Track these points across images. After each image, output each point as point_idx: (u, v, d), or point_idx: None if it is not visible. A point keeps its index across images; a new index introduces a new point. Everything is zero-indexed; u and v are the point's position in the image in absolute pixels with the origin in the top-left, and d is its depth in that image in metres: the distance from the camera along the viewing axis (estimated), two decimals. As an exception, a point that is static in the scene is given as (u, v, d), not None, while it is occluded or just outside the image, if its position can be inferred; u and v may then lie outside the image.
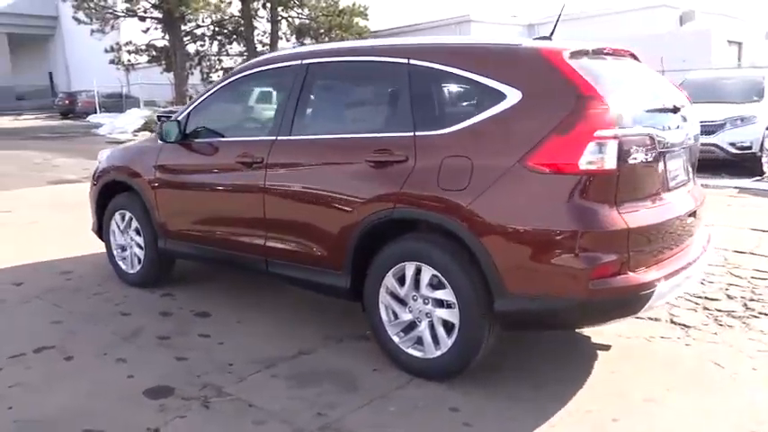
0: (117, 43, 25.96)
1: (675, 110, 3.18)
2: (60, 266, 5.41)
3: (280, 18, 28.21)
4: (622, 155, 2.72)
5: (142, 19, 26.21)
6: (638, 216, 2.82)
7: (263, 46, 27.57)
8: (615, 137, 2.69)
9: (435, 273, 3.03)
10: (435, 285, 3.06)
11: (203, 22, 28.48)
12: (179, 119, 4.24)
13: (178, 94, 25.53)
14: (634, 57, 3.50)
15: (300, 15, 28.63)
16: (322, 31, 27.76)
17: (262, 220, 3.76)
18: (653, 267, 2.87)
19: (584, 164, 2.67)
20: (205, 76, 28.80)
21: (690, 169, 3.38)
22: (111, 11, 25.05)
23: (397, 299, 3.22)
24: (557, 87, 2.78)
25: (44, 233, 6.73)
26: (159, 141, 4.29)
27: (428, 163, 3.02)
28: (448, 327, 3.05)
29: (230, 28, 29.17)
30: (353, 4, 28.05)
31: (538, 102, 2.82)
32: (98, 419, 2.85)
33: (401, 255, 3.15)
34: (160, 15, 25.58)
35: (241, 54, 28.74)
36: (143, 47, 26.33)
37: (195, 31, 28.50)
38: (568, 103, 2.72)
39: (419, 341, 3.18)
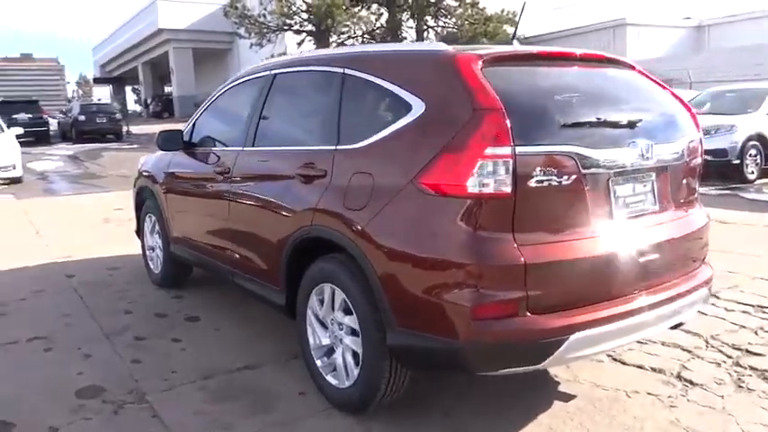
0: (272, 55, 27.78)
1: (631, 125, 2.65)
2: (115, 263, 5.87)
3: (426, 28, 28.45)
4: (522, 177, 2.32)
5: (297, 32, 27.85)
6: (545, 250, 2.38)
7: (409, 56, 27.91)
8: (511, 156, 2.30)
9: (344, 297, 2.82)
10: (346, 310, 2.85)
11: (354, 33, 29.53)
12: (184, 129, 4.40)
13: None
14: (617, 64, 3.00)
15: (447, 25, 28.65)
16: (467, 40, 27.52)
17: (228, 230, 3.77)
18: (570, 312, 2.41)
19: (472, 186, 2.31)
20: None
21: (664, 196, 2.80)
22: (266, 26, 26.92)
23: (320, 321, 3.05)
24: (457, 98, 2.44)
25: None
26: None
27: (341, 179, 2.82)
28: (357, 357, 2.82)
29: (379, 39, 29.93)
30: (502, 11, 27.49)
31: (438, 114, 2.50)
32: (18, 413, 3.00)
33: (320, 275, 2.96)
34: (312, 28, 27.01)
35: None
36: (295, 58, 27.99)
37: (346, 42, 29.64)
38: (464, 116, 2.38)
39: (336, 368, 2.97)
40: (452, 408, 2.98)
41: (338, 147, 2.90)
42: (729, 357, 3.53)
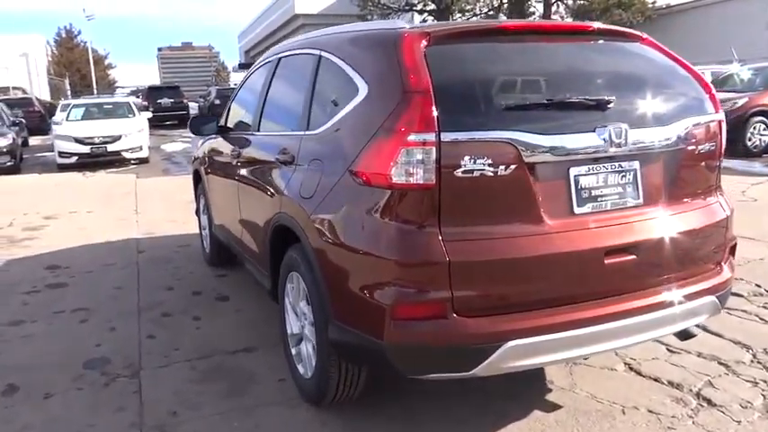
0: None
1: (601, 107, 2.29)
2: (187, 241, 6.20)
3: (554, 1, 27.10)
4: (449, 167, 2.09)
5: (420, 12, 27.74)
6: (476, 247, 2.13)
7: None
8: (435, 143, 2.08)
9: (305, 286, 2.75)
10: (307, 300, 2.78)
11: (479, 10, 28.88)
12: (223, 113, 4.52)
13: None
14: (613, 35, 2.62)
15: (578, -4, 27.13)
16: (599, 11, 25.87)
17: (238, 213, 3.83)
18: (506, 317, 2.16)
19: (395, 175, 2.13)
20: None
21: (653, 187, 2.41)
22: (388, 6, 27.05)
23: (293, 309, 3.01)
24: (393, 80, 2.24)
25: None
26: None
27: (302, 166, 2.74)
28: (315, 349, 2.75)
29: (506, 15, 29.02)
30: (638, -20, 25.54)
31: (377, 97, 2.33)
32: (27, 377, 3.26)
33: (289, 263, 2.91)
34: (434, 6, 26.75)
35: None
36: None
37: (471, 19, 29.08)
38: (396, 99, 2.19)
39: (302, 358, 2.93)
40: (417, 409, 2.82)
41: (305, 132, 2.82)
42: (777, 377, 3.03)
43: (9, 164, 12.58)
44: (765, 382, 2.98)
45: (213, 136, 4.62)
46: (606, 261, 2.25)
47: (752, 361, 3.21)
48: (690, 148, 2.48)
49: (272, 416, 2.82)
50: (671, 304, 2.37)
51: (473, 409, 2.80)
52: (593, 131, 2.25)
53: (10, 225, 7.42)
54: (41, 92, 42.49)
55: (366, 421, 2.74)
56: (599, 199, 2.30)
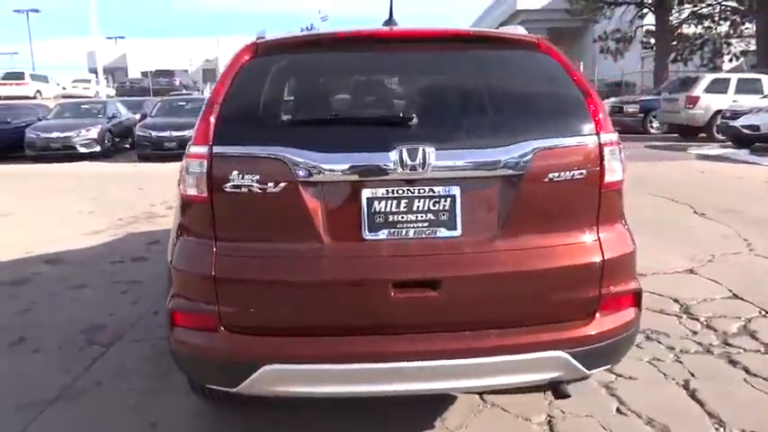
0: (605, 32, 26.01)
1: (404, 124, 2.04)
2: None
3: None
4: (219, 181, 2.08)
5: (639, 5, 25.52)
6: (244, 264, 2.09)
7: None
8: (207, 156, 2.09)
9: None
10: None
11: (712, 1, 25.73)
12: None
13: (657, 80, 23.92)
14: (489, 41, 2.32)
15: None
16: None
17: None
18: (268, 339, 2.08)
19: (184, 186, 2.19)
20: (707, 61, 26.09)
21: (478, 218, 2.08)
22: (600, 0, 25.29)
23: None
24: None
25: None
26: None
27: None
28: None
29: (746, 4, 25.40)
30: None
31: None
32: (39, 334, 3.87)
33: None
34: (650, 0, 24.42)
35: (752, 36, 24.75)
36: (630, 34, 25.62)
37: (701, 11, 26.02)
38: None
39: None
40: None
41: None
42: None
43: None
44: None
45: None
46: (395, 294, 2.04)
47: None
48: (545, 174, 2.10)
49: (166, 400, 3.02)
50: (484, 353, 2.06)
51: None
52: (389, 151, 2.04)
53: (162, 203, 8.64)
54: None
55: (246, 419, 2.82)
56: (398, 226, 2.08)
